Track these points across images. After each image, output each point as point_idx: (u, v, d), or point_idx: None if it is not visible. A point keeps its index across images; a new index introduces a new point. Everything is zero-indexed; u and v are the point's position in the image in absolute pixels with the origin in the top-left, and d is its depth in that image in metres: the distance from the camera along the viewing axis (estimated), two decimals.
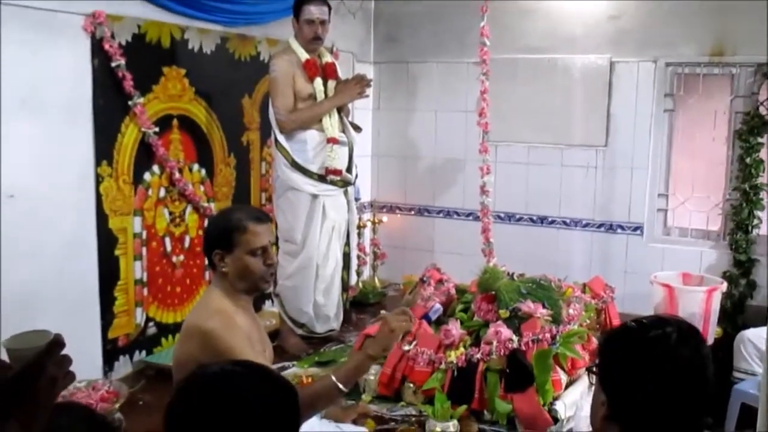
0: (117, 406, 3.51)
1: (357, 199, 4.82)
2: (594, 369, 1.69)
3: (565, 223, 5.55)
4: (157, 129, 4.06)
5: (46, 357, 1.21)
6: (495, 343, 3.43)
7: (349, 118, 4.61)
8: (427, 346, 3.56)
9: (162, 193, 4.20)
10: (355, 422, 3.26)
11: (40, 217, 3.55)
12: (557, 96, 5.44)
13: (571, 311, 3.77)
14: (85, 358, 3.81)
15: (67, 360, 1.24)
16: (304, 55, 4.27)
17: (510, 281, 3.87)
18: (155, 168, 4.14)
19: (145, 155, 4.05)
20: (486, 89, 4.59)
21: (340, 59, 5.03)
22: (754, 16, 4.74)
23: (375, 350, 2.45)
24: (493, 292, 3.78)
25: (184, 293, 4.40)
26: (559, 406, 3.30)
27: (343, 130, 4.41)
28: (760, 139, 4.87)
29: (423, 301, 4.05)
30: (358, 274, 5.65)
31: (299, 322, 4.45)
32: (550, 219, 5.59)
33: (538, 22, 5.45)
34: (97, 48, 3.73)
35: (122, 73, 3.82)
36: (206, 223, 2.57)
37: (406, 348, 3.59)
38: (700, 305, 4.44)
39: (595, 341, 3.77)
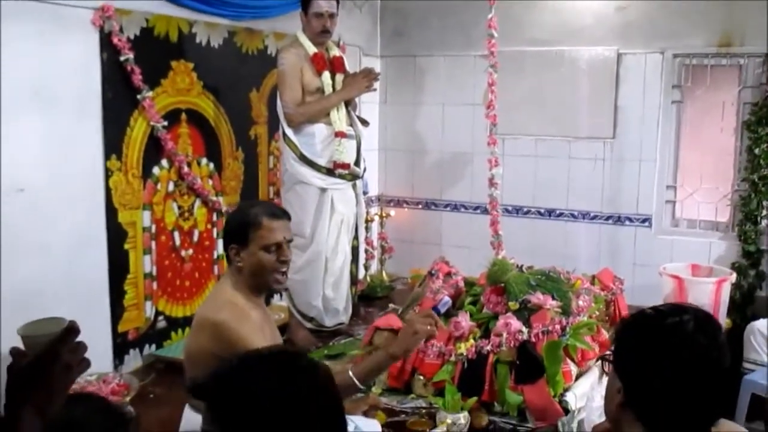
0: (128, 399, 3.53)
1: (365, 193, 4.83)
2: (608, 356, 1.69)
3: (573, 215, 5.55)
4: (165, 123, 4.07)
5: (60, 344, 1.22)
6: (505, 334, 3.43)
7: (357, 112, 4.61)
8: (437, 338, 3.55)
9: (171, 187, 4.21)
10: (365, 414, 3.26)
11: (49, 211, 3.56)
12: (564, 88, 5.43)
13: (580, 303, 3.76)
14: (95, 351, 3.76)
15: (82, 347, 1.25)
16: (312, 49, 4.27)
17: (519, 273, 3.86)
18: (164, 162, 4.14)
19: (154, 149, 4.06)
20: (494, 81, 4.57)
21: (347, 53, 5.02)
22: (762, 6, 4.72)
23: (397, 351, 2.47)
24: (503, 285, 3.77)
25: (193, 287, 4.41)
26: (569, 397, 3.30)
27: (351, 124, 4.41)
28: None
29: (432, 293, 4.05)
30: (366, 268, 5.66)
31: (308, 316, 4.46)
32: (557, 211, 5.59)
33: (544, 14, 5.43)
34: (106, 42, 3.73)
35: (131, 67, 3.83)
36: (226, 219, 2.59)
37: None
38: (709, 296, 4.43)
39: (604, 333, 3.77)
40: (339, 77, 4.35)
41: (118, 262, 3.93)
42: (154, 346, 4.18)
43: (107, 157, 3.81)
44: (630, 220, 5.38)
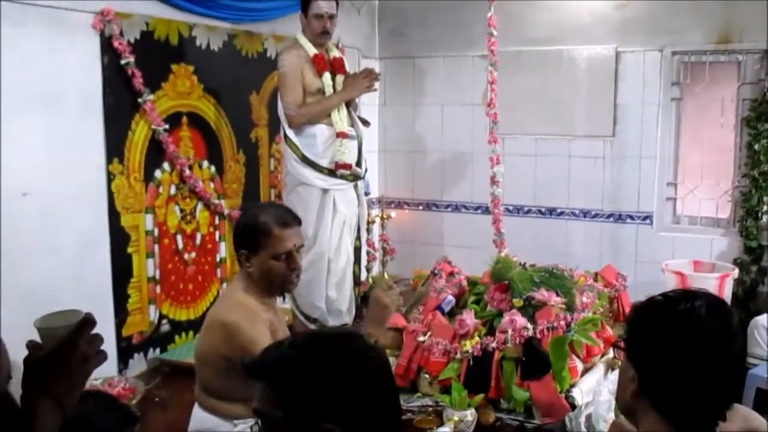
0: (134, 402, 3.53)
1: (367, 193, 4.83)
2: (620, 344, 1.68)
3: (573, 214, 5.55)
4: (167, 126, 4.08)
5: (78, 335, 1.22)
6: (510, 331, 3.42)
7: (357, 113, 4.62)
8: (442, 336, 3.56)
9: (173, 190, 4.22)
10: None
11: (52, 215, 3.57)
12: (564, 87, 5.44)
13: (584, 299, 3.76)
14: None
15: (99, 339, 1.25)
16: (312, 50, 4.28)
17: (523, 270, 3.86)
18: (166, 165, 4.15)
19: (156, 152, 4.07)
20: (494, 80, 4.58)
21: (346, 55, 5.03)
22: (759, 2, 4.74)
23: (372, 328, 2.48)
24: (506, 282, 3.77)
25: (196, 290, 4.41)
26: (576, 392, 3.29)
27: (352, 124, 4.42)
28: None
29: (435, 293, 4.05)
30: (368, 269, 5.65)
31: (312, 317, 4.46)
32: (558, 210, 5.59)
33: (543, 14, 5.45)
34: (107, 46, 3.75)
35: (131, 71, 3.84)
36: (236, 219, 2.55)
37: (421, 339, 3.59)
38: (712, 292, 4.43)
39: (608, 329, 3.77)
40: (339, 78, 4.36)
41: (121, 266, 3.93)
42: (158, 350, 4.18)
43: (109, 160, 3.82)
44: (631, 217, 5.39)
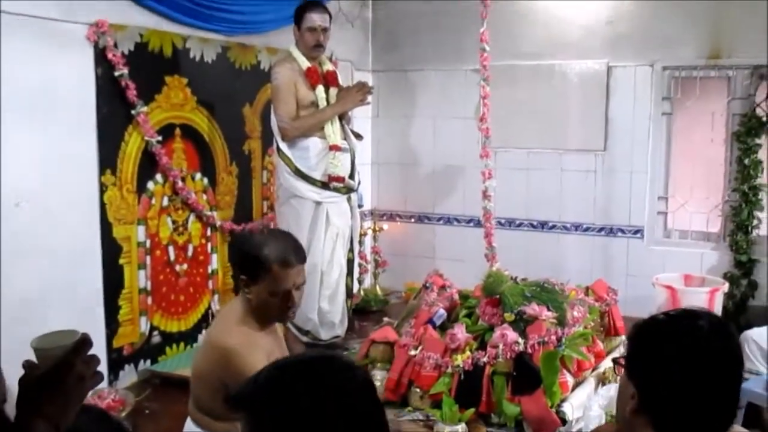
0: (123, 414, 3.52)
1: (360, 206, 4.83)
2: (620, 361, 1.69)
3: (565, 227, 5.57)
4: (160, 138, 4.08)
5: (74, 355, 1.21)
6: (501, 346, 3.43)
7: (350, 126, 4.63)
8: (433, 350, 3.57)
9: (165, 201, 4.22)
10: None
11: (44, 226, 3.56)
12: (556, 101, 5.47)
13: (575, 314, 3.77)
14: None
15: (96, 359, 1.25)
16: (305, 63, 4.30)
17: (514, 285, 3.87)
18: (158, 177, 4.15)
19: (149, 164, 4.07)
20: (487, 95, 4.61)
21: (339, 67, 5.05)
22: (749, 18, 4.78)
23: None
24: (498, 296, 3.79)
25: (188, 302, 4.40)
26: (566, 407, 3.31)
27: (345, 137, 4.43)
28: (757, 140, 4.90)
29: (427, 306, 4.05)
30: (360, 282, 5.66)
31: (304, 329, 4.45)
32: (550, 224, 5.61)
33: (535, 29, 5.48)
34: (101, 57, 3.75)
35: (125, 82, 3.84)
36: (237, 237, 2.46)
37: (413, 353, 3.60)
38: (702, 306, 4.43)
39: (599, 343, 3.79)
40: (333, 91, 4.38)
41: (112, 277, 3.93)
42: (149, 362, 4.17)
43: (102, 172, 3.82)
44: (622, 231, 5.41)
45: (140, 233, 4.06)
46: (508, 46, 5.40)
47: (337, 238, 4.42)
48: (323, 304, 4.42)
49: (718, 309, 4.58)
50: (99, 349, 3.80)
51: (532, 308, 3.63)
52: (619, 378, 1.73)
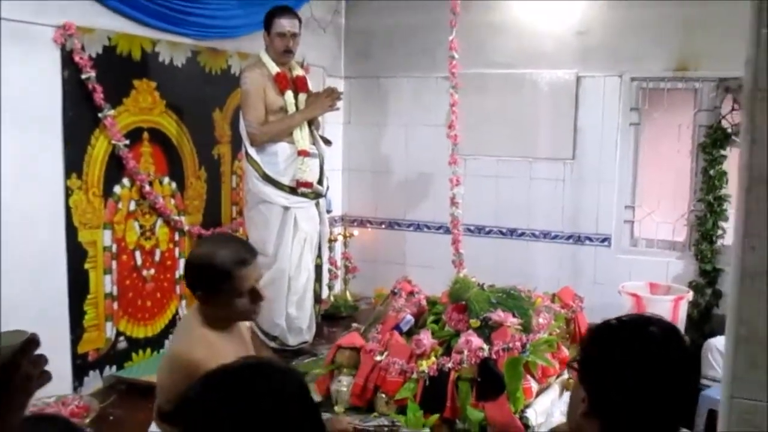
0: (87, 421, 3.49)
1: (329, 211, 4.84)
2: (574, 365, 1.71)
3: (534, 235, 5.62)
4: (127, 141, 4.06)
5: (21, 355, 1.21)
6: (466, 352, 3.45)
7: (320, 132, 4.64)
8: (399, 356, 3.58)
9: (132, 206, 4.19)
10: None
11: (8, 230, 3.50)
12: (525, 110, 5.51)
13: (541, 320, 3.81)
14: (54, 372, 3.73)
15: (43, 359, 1.25)
16: (275, 69, 4.30)
17: (480, 291, 3.90)
18: (125, 181, 4.12)
19: (116, 168, 4.04)
20: (455, 102, 4.64)
21: (311, 73, 5.06)
22: (716, 32, 4.85)
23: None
24: (464, 302, 3.82)
25: (154, 307, 4.37)
26: (530, 413, 3.34)
27: (314, 143, 4.44)
28: (723, 152, 4.97)
29: (394, 312, 4.07)
30: (330, 287, 5.66)
31: (272, 335, 4.45)
32: (519, 231, 5.65)
33: (507, 39, 5.52)
34: (68, 60, 3.72)
35: (92, 85, 3.82)
36: (187, 260, 2.42)
37: (378, 358, 3.61)
38: (667, 314, 4.49)
39: (564, 350, 3.82)
40: (302, 96, 4.38)
41: (78, 282, 3.89)
42: (114, 368, 4.13)
43: (68, 175, 3.78)
44: (590, 239, 5.46)
45: (106, 238, 4.03)
46: (479, 54, 5.44)
47: (305, 244, 4.42)
48: (291, 309, 4.42)
49: (682, 317, 4.63)
50: (63, 354, 3.83)
51: (498, 314, 3.66)
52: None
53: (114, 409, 3.78)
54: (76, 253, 3.87)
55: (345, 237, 5.86)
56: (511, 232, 5.67)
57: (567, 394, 3.54)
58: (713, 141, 4.98)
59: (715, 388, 3.96)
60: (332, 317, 5.34)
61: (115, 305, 4.12)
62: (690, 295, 4.74)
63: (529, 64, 5.48)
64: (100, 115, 3.89)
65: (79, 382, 3.93)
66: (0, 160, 3.39)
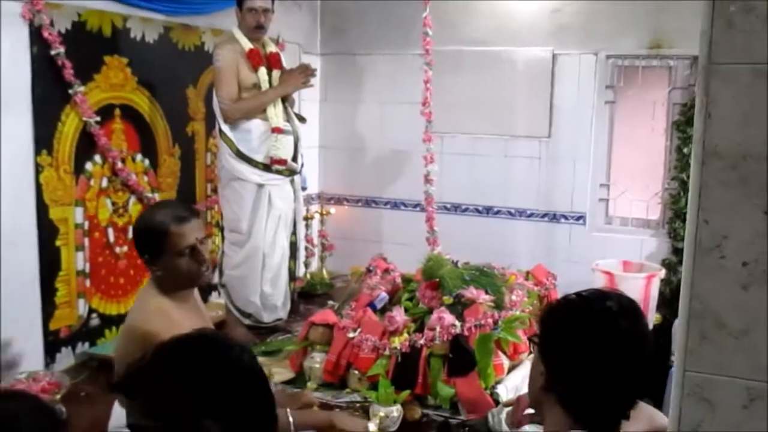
0: (58, 397, 3.48)
1: (303, 189, 4.83)
2: (535, 339, 1.72)
3: (510, 213, 5.63)
4: (98, 118, 4.01)
5: None
6: (438, 328, 3.47)
7: (295, 109, 4.62)
8: (372, 333, 3.59)
9: (104, 183, 4.16)
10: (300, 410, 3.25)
11: None
12: (501, 88, 5.51)
13: (513, 297, 3.83)
14: (26, 349, 3.75)
15: None
16: (247, 45, 4.26)
17: (454, 268, 3.91)
18: (97, 158, 4.09)
19: (87, 145, 4.00)
20: (429, 79, 4.63)
21: (287, 50, 5.02)
22: (690, 10, 4.82)
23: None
24: (437, 279, 3.83)
25: (127, 284, 4.35)
26: (500, 389, 3.36)
27: (288, 120, 4.42)
28: None
29: (369, 289, 4.08)
30: (306, 265, 5.66)
31: (246, 312, 4.44)
32: (495, 209, 5.67)
33: (482, 16, 5.50)
34: (36, 36, 3.66)
35: (62, 62, 3.77)
36: (132, 226, 2.48)
37: (351, 335, 3.62)
38: (639, 292, 4.53)
39: (536, 327, 3.84)
40: (275, 73, 4.35)
41: (49, 259, 3.86)
42: (87, 344, 4.12)
43: (38, 152, 3.74)
44: (565, 217, 5.48)
45: (78, 215, 4.00)
46: (454, 32, 5.42)
47: (279, 221, 4.41)
48: (265, 287, 4.42)
49: (654, 295, 4.67)
50: (35, 331, 3.81)
51: (470, 291, 3.67)
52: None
53: (85, 386, 3.78)
54: (47, 230, 3.84)
55: (322, 215, 5.86)
56: (487, 210, 5.69)
57: None
58: (687, 119, 5.00)
59: None
60: (308, 295, 5.34)
61: (88, 282, 4.09)
62: (662, 273, 4.78)
63: (505, 41, 5.46)
64: (70, 91, 3.85)
65: (51, 359, 3.92)
66: None
